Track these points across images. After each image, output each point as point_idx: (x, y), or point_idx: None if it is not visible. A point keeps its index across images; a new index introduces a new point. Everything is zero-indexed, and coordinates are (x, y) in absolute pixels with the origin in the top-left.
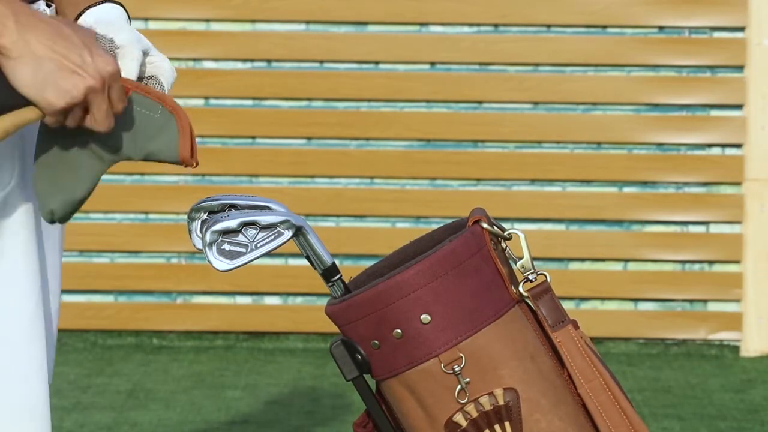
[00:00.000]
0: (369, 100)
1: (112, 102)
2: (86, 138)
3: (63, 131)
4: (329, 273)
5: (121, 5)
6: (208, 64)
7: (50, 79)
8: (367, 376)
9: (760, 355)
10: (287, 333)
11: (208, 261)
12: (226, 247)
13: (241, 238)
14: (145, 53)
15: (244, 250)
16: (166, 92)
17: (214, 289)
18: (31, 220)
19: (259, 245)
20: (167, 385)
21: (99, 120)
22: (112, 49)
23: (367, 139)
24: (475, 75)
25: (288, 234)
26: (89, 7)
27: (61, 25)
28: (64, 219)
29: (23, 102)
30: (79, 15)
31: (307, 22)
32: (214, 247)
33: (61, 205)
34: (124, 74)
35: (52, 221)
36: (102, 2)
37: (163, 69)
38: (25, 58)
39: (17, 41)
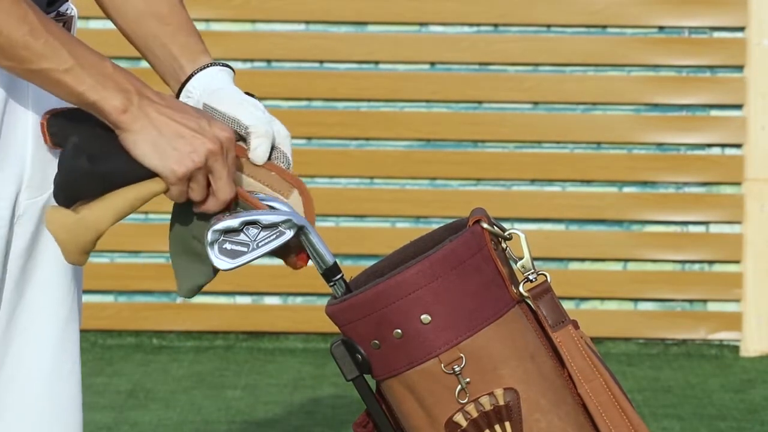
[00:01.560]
0: (369, 100)
1: (229, 170)
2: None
3: (188, 228)
4: (331, 272)
5: (229, 67)
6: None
7: (170, 145)
8: (367, 376)
9: (760, 355)
10: (287, 333)
11: (209, 260)
12: (228, 246)
13: (242, 237)
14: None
15: (245, 249)
16: (290, 160)
17: (214, 289)
18: None
19: (260, 244)
20: (167, 385)
21: (221, 188)
22: (241, 129)
23: (367, 139)
24: (475, 75)
25: (290, 233)
26: (196, 71)
27: (178, 101)
28: (190, 296)
29: (147, 175)
30: (188, 79)
31: (307, 22)
32: (216, 246)
33: (190, 288)
34: (252, 156)
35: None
36: (209, 65)
37: (282, 136)
38: (145, 130)
39: (138, 115)
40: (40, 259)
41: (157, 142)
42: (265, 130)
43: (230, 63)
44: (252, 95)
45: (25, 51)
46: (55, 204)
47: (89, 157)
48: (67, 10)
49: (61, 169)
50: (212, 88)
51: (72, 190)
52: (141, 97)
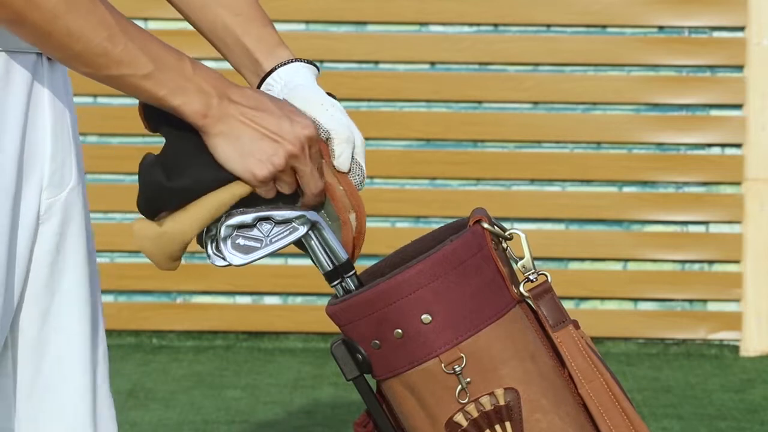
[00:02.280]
0: (369, 100)
1: (312, 165)
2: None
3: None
4: (344, 269)
5: (313, 64)
6: (209, 65)
7: (249, 149)
8: (367, 376)
9: (760, 354)
10: (287, 333)
11: (222, 256)
12: (241, 241)
13: (255, 232)
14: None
15: (258, 245)
16: (365, 173)
17: (214, 289)
18: (86, 220)
19: (273, 240)
20: (167, 385)
21: (307, 183)
22: (322, 133)
23: (367, 139)
24: (475, 75)
25: (303, 229)
26: (277, 66)
27: (261, 98)
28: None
29: (231, 178)
30: (269, 74)
31: (307, 22)
32: (229, 242)
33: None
34: (336, 163)
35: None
36: (291, 61)
37: (359, 144)
38: (225, 134)
39: (219, 118)
40: (69, 258)
41: (237, 146)
42: (347, 136)
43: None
44: (333, 96)
45: (103, 58)
46: (140, 216)
47: (165, 171)
48: None
49: (140, 183)
50: (294, 84)
51: (152, 204)
52: (221, 99)
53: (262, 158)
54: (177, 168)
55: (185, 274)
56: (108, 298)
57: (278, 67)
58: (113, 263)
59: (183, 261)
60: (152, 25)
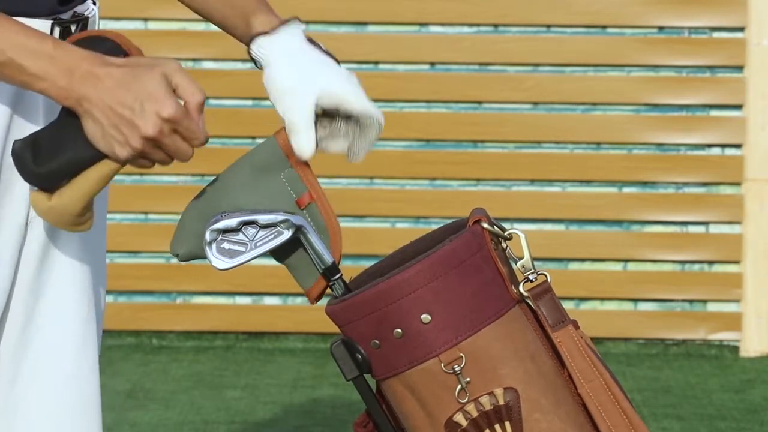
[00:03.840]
0: None
1: (187, 140)
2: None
3: (217, 201)
4: (330, 272)
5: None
6: (208, 65)
7: (110, 131)
8: (367, 376)
9: (760, 355)
10: (287, 333)
11: (207, 260)
12: (226, 245)
13: (240, 236)
14: (339, 107)
15: (243, 249)
16: (375, 140)
17: (214, 289)
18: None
19: (258, 244)
20: (167, 385)
21: (174, 155)
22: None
23: None
24: (475, 75)
25: (288, 233)
26: (261, 34)
27: (126, 75)
28: (185, 260)
29: (102, 155)
30: (253, 38)
31: (307, 22)
32: (214, 246)
33: (187, 253)
34: (297, 154)
35: (178, 258)
36: (274, 30)
37: (375, 128)
38: (88, 114)
39: (80, 97)
40: (55, 260)
41: (99, 128)
42: (298, 119)
43: (230, 64)
44: (330, 54)
45: None
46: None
47: (35, 154)
48: (85, 11)
49: (15, 166)
50: (271, 59)
51: (33, 183)
52: (83, 79)
53: (121, 141)
54: (49, 150)
55: (185, 274)
56: (108, 299)
57: (260, 35)
58: (113, 263)
59: (182, 262)
60: (152, 26)
